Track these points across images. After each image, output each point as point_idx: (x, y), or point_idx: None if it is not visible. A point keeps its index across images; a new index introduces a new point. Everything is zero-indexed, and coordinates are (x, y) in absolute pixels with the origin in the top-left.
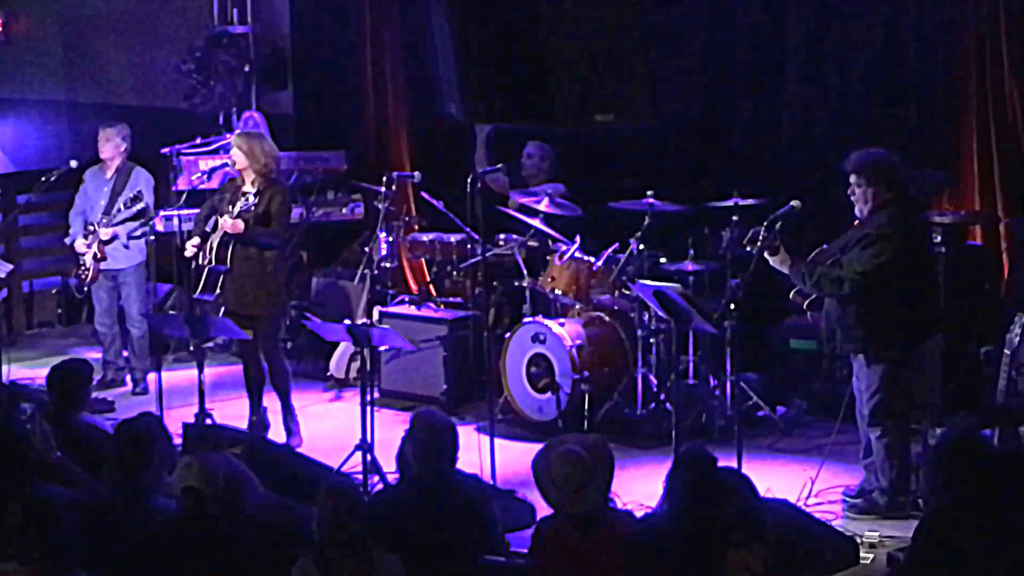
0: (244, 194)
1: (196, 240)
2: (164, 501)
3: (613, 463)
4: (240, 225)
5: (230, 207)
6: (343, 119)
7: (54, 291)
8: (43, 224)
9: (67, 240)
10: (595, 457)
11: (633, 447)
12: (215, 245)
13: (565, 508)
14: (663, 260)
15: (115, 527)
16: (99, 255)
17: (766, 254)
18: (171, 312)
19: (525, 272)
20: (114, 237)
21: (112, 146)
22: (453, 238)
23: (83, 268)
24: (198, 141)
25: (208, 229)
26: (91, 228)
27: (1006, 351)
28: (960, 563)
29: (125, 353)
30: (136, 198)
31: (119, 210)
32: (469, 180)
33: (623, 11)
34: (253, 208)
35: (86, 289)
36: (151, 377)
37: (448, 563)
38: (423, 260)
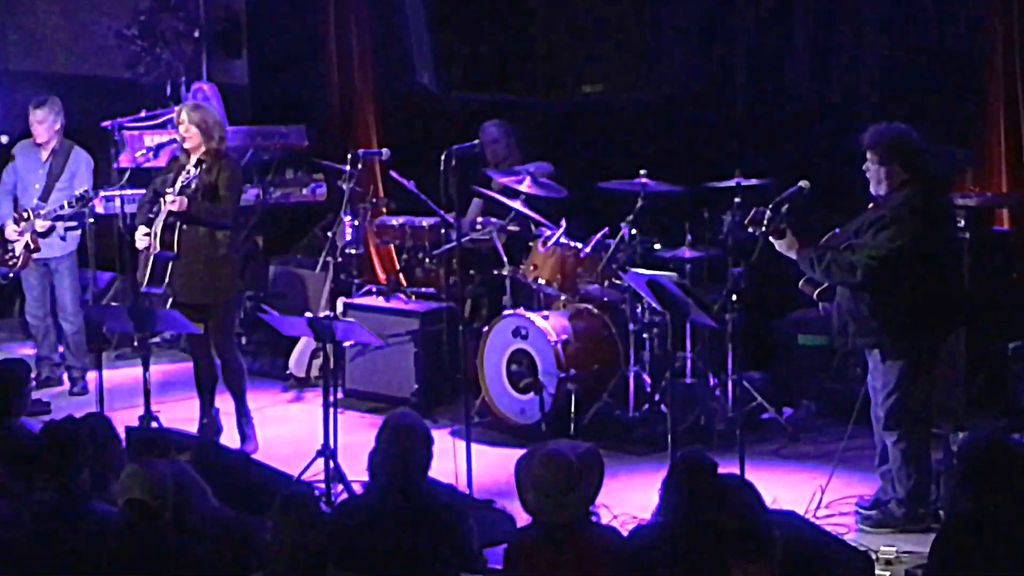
0: (188, 170)
1: (145, 229)
2: (105, 508)
3: (602, 477)
4: (184, 202)
5: (172, 186)
6: (304, 90)
7: None
8: None
9: None
10: (584, 466)
11: (625, 453)
12: (159, 229)
13: (541, 516)
14: (657, 246)
15: (52, 539)
16: (32, 246)
17: (771, 239)
18: (113, 303)
19: (505, 259)
20: (52, 229)
21: (46, 128)
22: (425, 222)
23: (11, 255)
24: (143, 114)
25: (153, 215)
26: (25, 215)
27: None
28: None
29: (61, 348)
30: (82, 199)
31: (62, 206)
32: (443, 157)
33: None
34: (196, 180)
35: (12, 276)
36: (91, 376)
37: None
38: (392, 246)
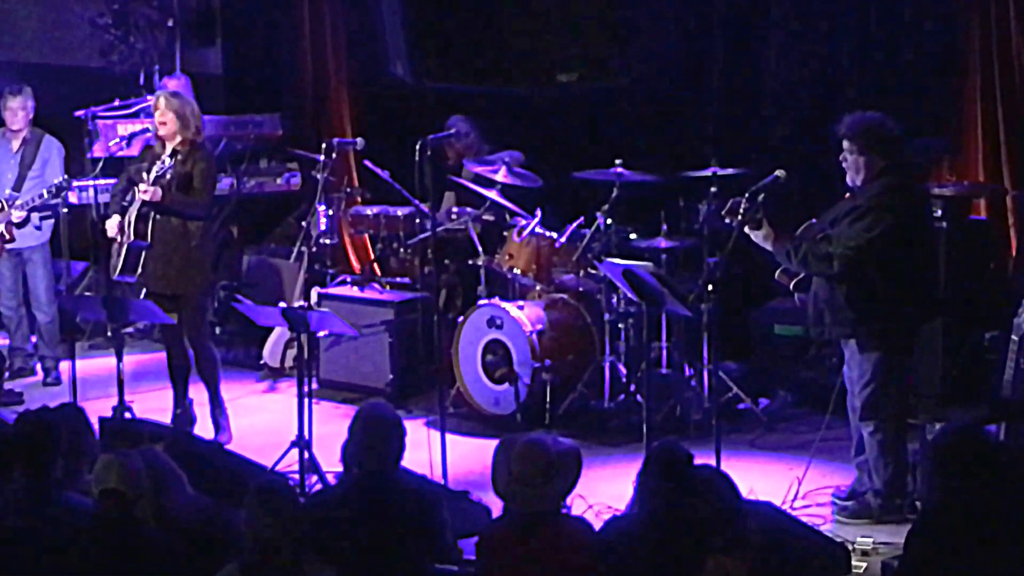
0: (163, 161)
1: (117, 218)
2: (80, 499)
3: (578, 475)
4: (158, 192)
5: (145, 175)
6: (278, 79)
7: None
8: None
9: None
10: (562, 461)
11: (600, 443)
12: (133, 219)
13: (513, 504)
14: (633, 236)
15: (25, 530)
16: (8, 236)
17: (747, 229)
18: (86, 293)
19: (480, 249)
20: (27, 219)
21: (23, 115)
22: (400, 212)
23: None
24: (116, 103)
25: (126, 204)
26: (1, 206)
27: (1013, 337)
28: (957, 571)
29: (34, 339)
30: (61, 188)
31: (41, 195)
32: (418, 147)
33: None
34: (171, 171)
35: None
36: (64, 366)
37: (393, 572)
38: (367, 236)
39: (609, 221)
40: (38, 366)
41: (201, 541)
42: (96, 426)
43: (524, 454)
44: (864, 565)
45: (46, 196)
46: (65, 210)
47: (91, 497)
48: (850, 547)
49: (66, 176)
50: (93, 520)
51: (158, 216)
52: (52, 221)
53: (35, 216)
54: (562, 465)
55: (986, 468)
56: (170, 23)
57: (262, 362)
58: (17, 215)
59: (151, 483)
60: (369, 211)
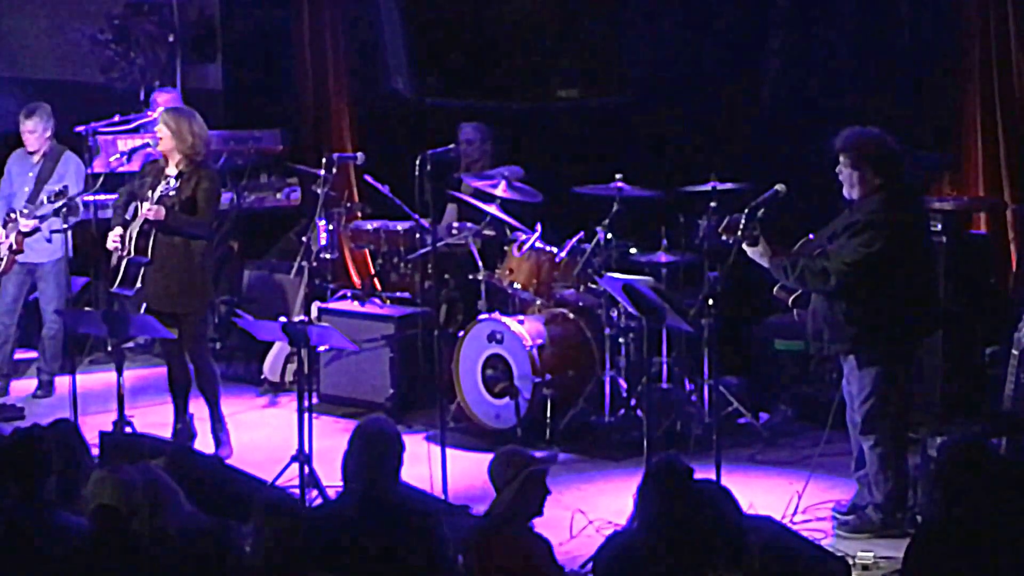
0: (167, 177)
1: (118, 231)
2: (74, 519)
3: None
4: (161, 212)
5: (150, 192)
6: (278, 94)
7: None
8: None
9: None
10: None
11: (600, 458)
12: (134, 234)
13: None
14: (633, 251)
15: (18, 545)
16: (16, 247)
17: (744, 245)
18: (87, 308)
19: (480, 264)
20: (36, 230)
21: (36, 137)
22: (400, 226)
23: None
24: (117, 119)
25: (128, 217)
26: (12, 216)
27: (1013, 351)
28: None
29: (31, 354)
30: (61, 193)
31: (42, 203)
32: (418, 162)
33: None
34: (175, 192)
35: None
36: (64, 381)
37: None
38: (367, 251)
39: (609, 236)
40: (34, 381)
41: (198, 559)
42: (96, 441)
43: (506, 460)
44: None
45: (46, 202)
46: (65, 226)
47: (86, 514)
48: (851, 561)
49: (66, 184)
50: (90, 538)
51: (159, 234)
52: (65, 234)
53: (45, 228)
54: (512, 466)
55: (988, 482)
56: (171, 39)
57: (262, 377)
58: (25, 224)
59: (147, 499)
60: (369, 226)
